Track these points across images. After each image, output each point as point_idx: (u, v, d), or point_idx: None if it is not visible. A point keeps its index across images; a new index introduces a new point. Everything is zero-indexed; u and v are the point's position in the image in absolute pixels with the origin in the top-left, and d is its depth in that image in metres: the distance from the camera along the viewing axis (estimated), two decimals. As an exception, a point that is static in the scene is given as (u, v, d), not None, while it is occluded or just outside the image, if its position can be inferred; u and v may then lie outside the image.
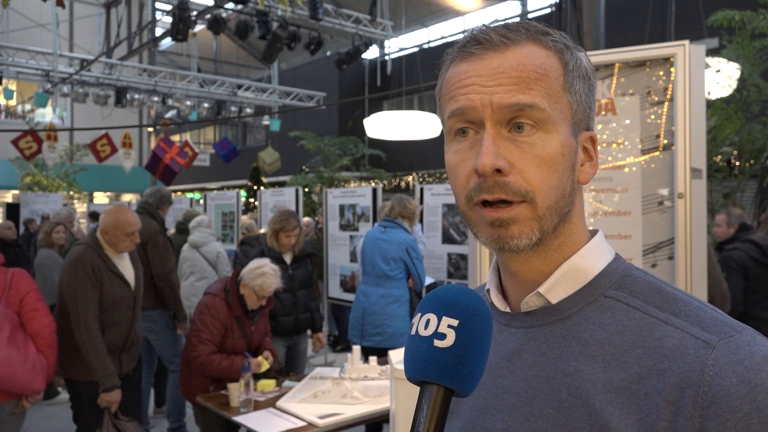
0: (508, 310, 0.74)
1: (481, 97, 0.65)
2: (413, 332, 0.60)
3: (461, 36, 0.72)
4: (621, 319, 0.65)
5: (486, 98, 0.64)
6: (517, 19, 0.74)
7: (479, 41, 0.67)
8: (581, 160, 0.71)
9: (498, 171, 0.64)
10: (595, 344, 0.64)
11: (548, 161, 0.65)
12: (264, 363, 3.33)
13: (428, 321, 0.58)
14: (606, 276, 0.69)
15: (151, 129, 22.99)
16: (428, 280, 5.03)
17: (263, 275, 3.30)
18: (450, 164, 0.69)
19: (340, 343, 7.24)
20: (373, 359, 3.43)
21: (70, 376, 3.09)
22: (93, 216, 10.00)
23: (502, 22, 0.69)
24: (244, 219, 7.83)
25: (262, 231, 6.85)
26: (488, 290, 0.77)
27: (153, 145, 18.33)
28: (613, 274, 0.69)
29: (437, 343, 0.57)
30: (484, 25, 0.69)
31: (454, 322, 0.57)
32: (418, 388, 0.58)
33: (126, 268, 3.23)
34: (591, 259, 0.70)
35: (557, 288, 0.69)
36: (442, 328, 0.57)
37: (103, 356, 2.96)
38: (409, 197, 4.52)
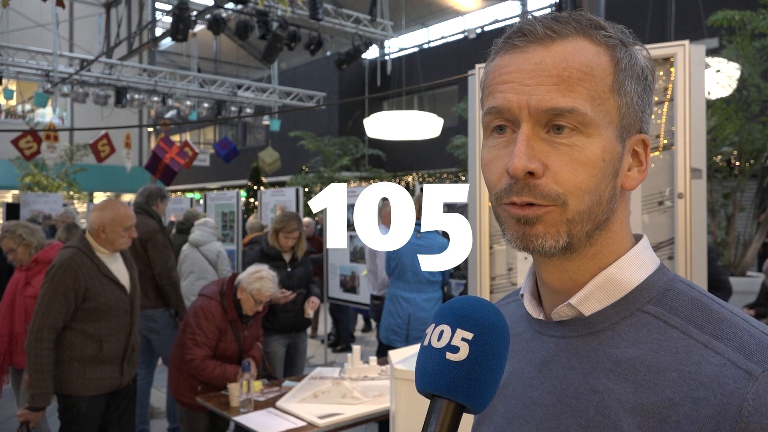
0: (541, 317, 0.70)
1: (519, 98, 0.61)
2: (426, 343, 0.57)
3: (512, 24, 0.67)
4: (657, 337, 0.61)
5: (523, 99, 0.61)
6: (548, 12, 0.67)
7: (524, 33, 0.63)
8: (628, 165, 0.66)
9: (530, 174, 0.60)
10: (626, 362, 0.61)
11: (586, 165, 0.61)
12: (257, 384, 3.24)
13: (441, 332, 0.56)
14: (645, 289, 0.64)
15: (151, 129, 22.99)
16: None
17: (261, 279, 3.31)
18: (484, 161, 0.66)
19: (340, 343, 7.25)
20: (373, 359, 3.44)
21: (65, 392, 2.82)
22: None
23: (553, 14, 0.65)
24: (252, 219, 7.89)
25: (265, 230, 6.86)
26: (522, 295, 0.74)
27: (153, 145, 18.32)
28: (653, 287, 0.64)
29: (450, 356, 0.54)
30: (532, 15, 0.65)
31: (469, 335, 0.54)
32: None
33: (120, 270, 2.99)
34: (630, 271, 0.65)
35: (591, 300, 0.65)
36: (456, 341, 0.54)
37: (44, 372, 2.70)
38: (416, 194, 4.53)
